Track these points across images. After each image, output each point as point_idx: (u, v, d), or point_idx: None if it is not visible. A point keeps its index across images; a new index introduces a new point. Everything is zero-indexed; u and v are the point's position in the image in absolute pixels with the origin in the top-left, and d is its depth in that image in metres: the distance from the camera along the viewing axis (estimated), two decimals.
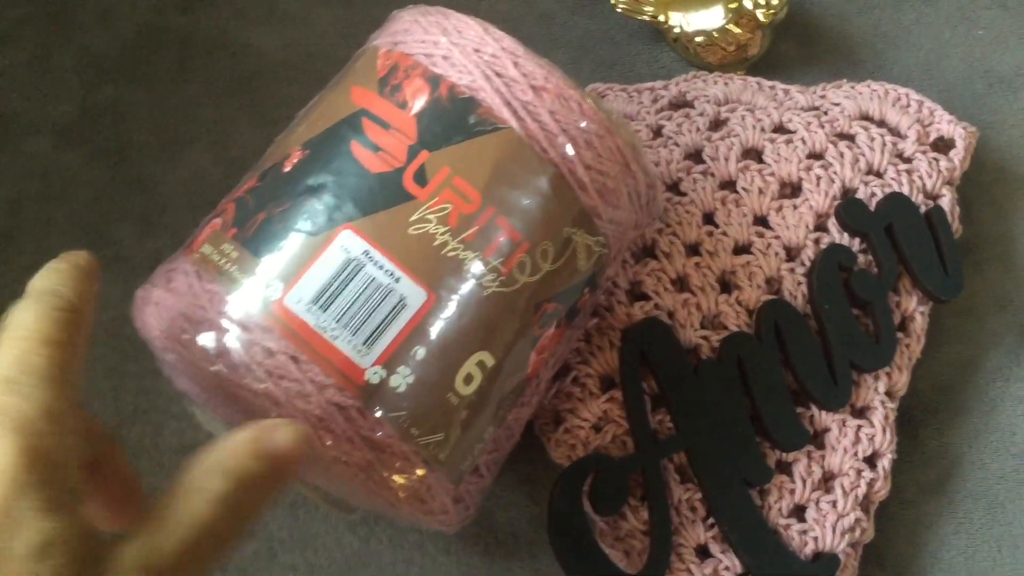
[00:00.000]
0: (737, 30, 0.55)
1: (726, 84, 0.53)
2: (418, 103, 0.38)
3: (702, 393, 0.45)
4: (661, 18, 0.57)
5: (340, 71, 0.43)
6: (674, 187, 0.51)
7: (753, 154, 0.51)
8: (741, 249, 0.49)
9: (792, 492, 0.46)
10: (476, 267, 0.37)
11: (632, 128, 0.51)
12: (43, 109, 0.56)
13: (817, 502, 0.46)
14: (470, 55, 0.38)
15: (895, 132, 0.52)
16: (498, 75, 0.38)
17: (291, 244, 0.36)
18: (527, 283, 0.38)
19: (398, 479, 0.36)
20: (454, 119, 0.38)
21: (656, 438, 0.45)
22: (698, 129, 0.51)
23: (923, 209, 0.50)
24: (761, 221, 0.50)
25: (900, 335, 0.49)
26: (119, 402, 0.51)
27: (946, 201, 0.51)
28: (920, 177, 0.51)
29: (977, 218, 0.55)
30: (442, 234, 0.36)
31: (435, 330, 0.36)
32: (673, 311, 0.48)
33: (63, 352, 0.31)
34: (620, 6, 0.57)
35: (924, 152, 0.51)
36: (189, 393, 0.40)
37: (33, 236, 0.53)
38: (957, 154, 0.52)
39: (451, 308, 0.37)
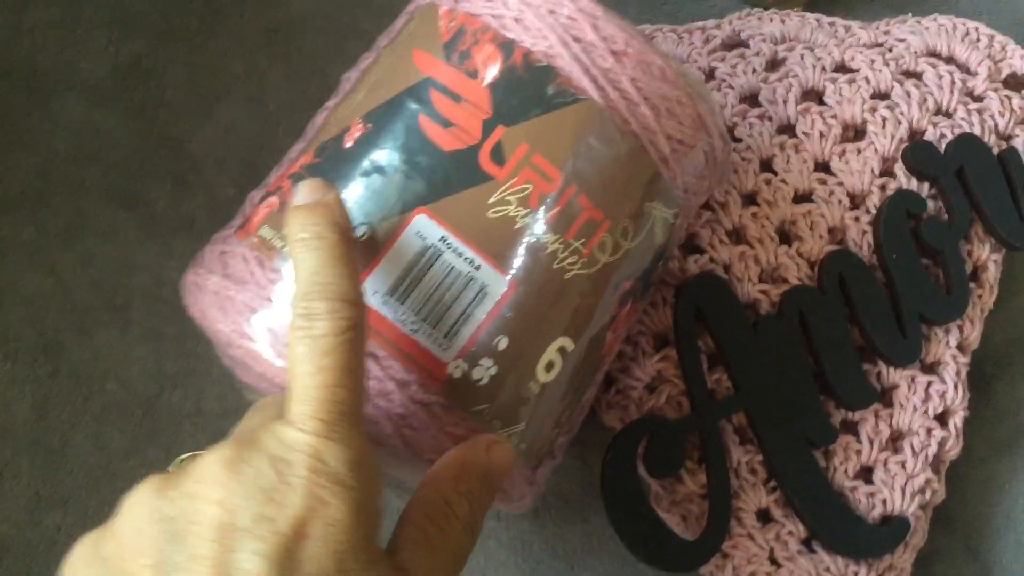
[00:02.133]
0: None
1: (783, 22, 0.50)
2: (490, 72, 0.35)
3: (762, 350, 0.43)
4: None
5: (390, 27, 0.40)
6: (729, 132, 0.48)
7: (813, 95, 0.48)
8: (802, 197, 0.47)
9: (858, 453, 0.43)
10: (558, 250, 0.35)
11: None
12: (73, 67, 0.54)
13: (885, 463, 0.44)
14: (544, 17, 0.35)
15: (964, 69, 0.49)
16: (576, 40, 0.35)
17: (362, 230, 0.34)
18: (608, 263, 0.36)
19: None
20: (531, 90, 0.35)
21: (713, 398, 0.43)
22: (754, 70, 0.48)
23: (996, 151, 0.47)
24: (823, 167, 0.47)
25: (972, 285, 0.46)
26: (159, 366, 0.49)
27: (1020, 142, 0.48)
28: (992, 117, 0.48)
29: None
30: (523, 217, 0.34)
31: (517, 318, 0.34)
32: (729, 264, 0.45)
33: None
34: None
35: (996, 90, 0.48)
36: (256, 388, 0.38)
37: (66, 198, 0.52)
38: None
39: (533, 294, 0.34)
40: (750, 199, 0.47)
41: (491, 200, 0.34)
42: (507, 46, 0.35)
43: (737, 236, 0.46)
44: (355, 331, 0.29)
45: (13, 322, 0.50)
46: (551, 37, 0.35)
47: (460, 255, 0.34)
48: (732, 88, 0.48)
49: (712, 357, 0.44)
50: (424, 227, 0.34)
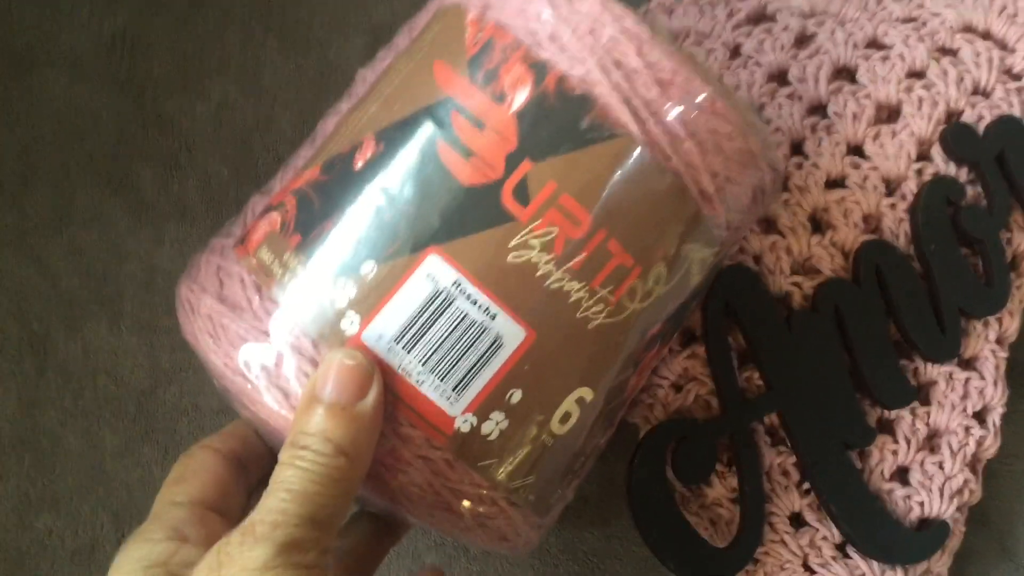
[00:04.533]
0: None
1: None
2: (519, 97, 0.32)
3: (795, 347, 0.41)
4: None
5: (411, 21, 0.37)
6: (757, 112, 0.45)
7: (845, 73, 0.46)
8: (834, 183, 0.44)
9: (895, 453, 0.42)
10: (582, 299, 0.32)
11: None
12: (55, 41, 0.51)
13: (922, 463, 0.42)
14: (584, 37, 0.32)
15: (1002, 45, 0.46)
16: (617, 65, 0.32)
17: (368, 267, 0.31)
18: (636, 310, 0.33)
19: (483, 520, 0.33)
20: (563, 122, 0.31)
21: (745, 398, 0.41)
22: (782, 46, 0.46)
23: None
24: (856, 150, 0.45)
25: (1011, 276, 0.44)
26: (153, 360, 0.47)
27: None
28: None
29: None
30: (545, 263, 0.31)
31: (533, 371, 0.31)
32: (760, 255, 0.43)
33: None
34: None
35: None
36: (251, 421, 0.35)
37: (50, 181, 0.49)
38: None
39: (553, 346, 0.32)
40: (781, 184, 0.44)
41: (512, 243, 0.31)
42: (539, 67, 0.32)
43: (768, 225, 0.44)
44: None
45: None
46: (589, 61, 0.31)
47: (474, 302, 0.31)
48: (759, 65, 0.45)
49: (742, 354, 0.42)
50: (436, 269, 0.31)
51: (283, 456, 0.30)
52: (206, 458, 0.34)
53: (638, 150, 0.32)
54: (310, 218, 0.33)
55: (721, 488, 0.41)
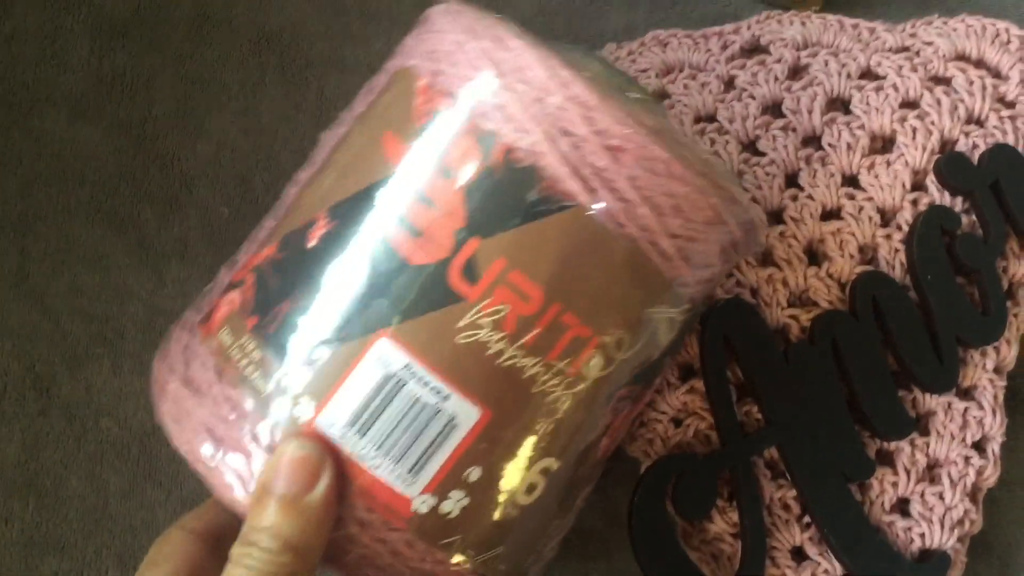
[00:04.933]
0: None
1: (803, 24, 0.48)
2: (466, 172, 0.31)
3: (793, 380, 0.41)
4: None
5: (371, 81, 0.36)
6: (751, 146, 0.45)
7: (839, 104, 0.46)
8: (830, 214, 0.44)
9: (895, 485, 0.42)
10: (538, 374, 0.31)
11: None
12: (55, 80, 0.51)
13: (922, 494, 0.42)
14: (530, 106, 0.31)
15: (996, 73, 0.47)
16: (565, 134, 0.31)
17: (320, 352, 0.31)
18: (599, 378, 0.32)
19: None
20: (510, 196, 0.31)
21: (744, 432, 0.41)
22: (776, 78, 0.46)
23: None
24: (851, 181, 0.45)
25: (1008, 304, 0.44)
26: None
27: None
28: None
29: None
30: (497, 341, 0.30)
31: (491, 448, 0.31)
32: (757, 288, 0.43)
33: None
34: None
35: None
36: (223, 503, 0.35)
37: (52, 222, 0.49)
38: None
39: (509, 422, 0.31)
40: (776, 217, 0.44)
41: (461, 323, 0.30)
42: (486, 140, 0.31)
43: (764, 257, 0.44)
44: None
45: (0, 356, 0.47)
46: (535, 131, 0.30)
47: (426, 384, 0.30)
48: (753, 98, 0.46)
49: (741, 388, 0.42)
50: (386, 353, 0.30)
51: (233, 552, 0.30)
52: (179, 540, 0.35)
53: (590, 220, 0.31)
54: (266, 298, 0.32)
55: (722, 523, 0.41)
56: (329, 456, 0.30)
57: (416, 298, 0.30)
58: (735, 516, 0.41)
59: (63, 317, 0.48)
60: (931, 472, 0.42)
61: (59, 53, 0.51)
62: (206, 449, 0.31)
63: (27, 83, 0.51)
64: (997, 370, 0.43)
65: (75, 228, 0.49)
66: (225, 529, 0.35)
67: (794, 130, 0.45)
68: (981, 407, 0.43)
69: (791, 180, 0.45)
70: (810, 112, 0.45)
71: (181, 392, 0.32)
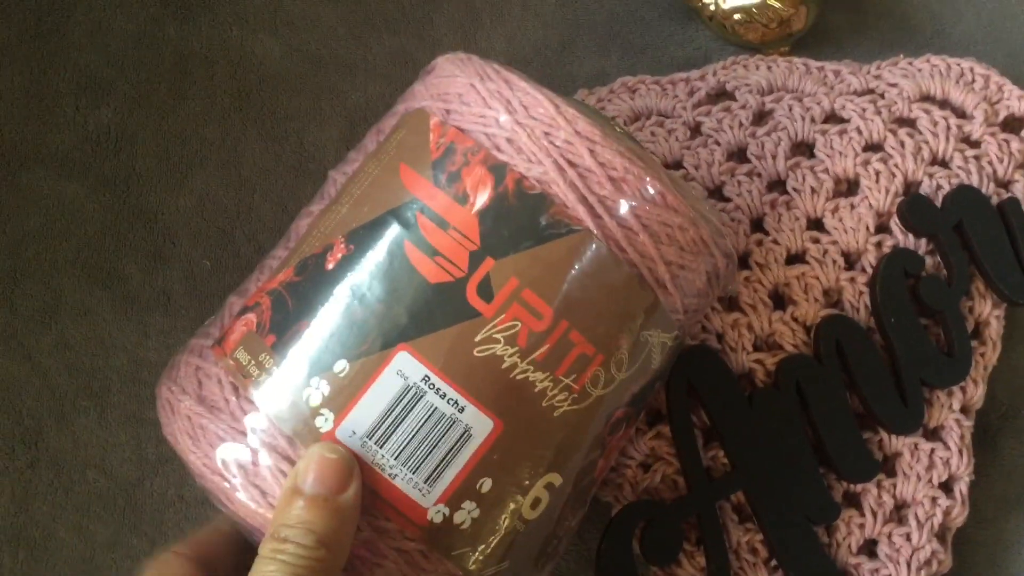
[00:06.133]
0: (778, 5, 0.50)
1: (769, 69, 0.49)
2: (480, 198, 0.33)
3: (758, 425, 0.42)
4: None
5: (379, 124, 0.39)
6: (717, 192, 0.46)
7: (803, 149, 0.47)
8: (795, 258, 0.45)
9: (861, 527, 0.42)
10: (547, 388, 0.33)
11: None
12: (41, 138, 0.52)
13: (889, 536, 0.42)
14: (539, 140, 0.34)
15: (960, 113, 0.47)
16: (572, 165, 0.34)
17: (341, 365, 0.32)
18: (600, 396, 0.34)
19: None
20: (522, 220, 0.33)
21: (710, 477, 0.42)
22: (740, 124, 0.47)
23: (995, 200, 0.45)
24: (816, 225, 0.45)
25: (974, 343, 0.44)
26: (140, 452, 0.48)
27: (1019, 188, 0.46)
28: (990, 163, 0.46)
29: None
30: (510, 355, 0.32)
31: (502, 460, 0.33)
32: (722, 333, 0.44)
33: None
34: None
35: (993, 134, 0.46)
36: (230, 518, 0.36)
37: (39, 278, 0.50)
38: None
39: (520, 435, 0.33)
40: (742, 262, 0.45)
41: (478, 338, 0.32)
42: (498, 169, 0.34)
43: (730, 302, 0.44)
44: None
45: None
46: (546, 162, 0.33)
47: (443, 396, 0.32)
48: (719, 144, 0.46)
49: (708, 432, 0.43)
50: (406, 365, 0.32)
51: (264, 550, 0.31)
52: (173, 562, 0.35)
53: (595, 244, 0.33)
54: (285, 318, 0.34)
55: (690, 567, 0.41)
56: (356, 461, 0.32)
57: (435, 314, 0.32)
58: (703, 560, 0.41)
59: (50, 371, 0.49)
60: (898, 513, 0.43)
61: (45, 112, 0.53)
62: (223, 460, 0.33)
63: (14, 141, 0.52)
64: (964, 410, 0.44)
65: (62, 283, 0.50)
66: (216, 555, 0.37)
67: (759, 175, 0.46)
68: (948, 447, 0.43)
69: (756, 225, 0.46)
70: (774, 157, 0.46)
71: (195, 409, 0.34)
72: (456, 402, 0.32)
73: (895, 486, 0.43)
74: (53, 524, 0.47)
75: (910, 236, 0.45)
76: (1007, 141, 0.46)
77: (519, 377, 0.33)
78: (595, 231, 0.33)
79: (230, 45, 0.54)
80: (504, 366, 0.32)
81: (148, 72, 0.54)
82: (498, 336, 0.32)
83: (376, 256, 0.33)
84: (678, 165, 0.47)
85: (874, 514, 0.42)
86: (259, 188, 0.52)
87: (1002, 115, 0.47)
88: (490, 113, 0.34)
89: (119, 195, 0.52)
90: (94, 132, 0.53)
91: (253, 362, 0.33)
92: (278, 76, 0.53)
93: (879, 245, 0.45)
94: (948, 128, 0.46)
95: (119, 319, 0.50)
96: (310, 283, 0.34)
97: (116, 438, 0.48)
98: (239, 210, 0.52)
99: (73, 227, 0.51)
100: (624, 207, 0.34)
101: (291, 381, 0.33)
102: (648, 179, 0.34)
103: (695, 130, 0.47)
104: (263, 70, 0.54)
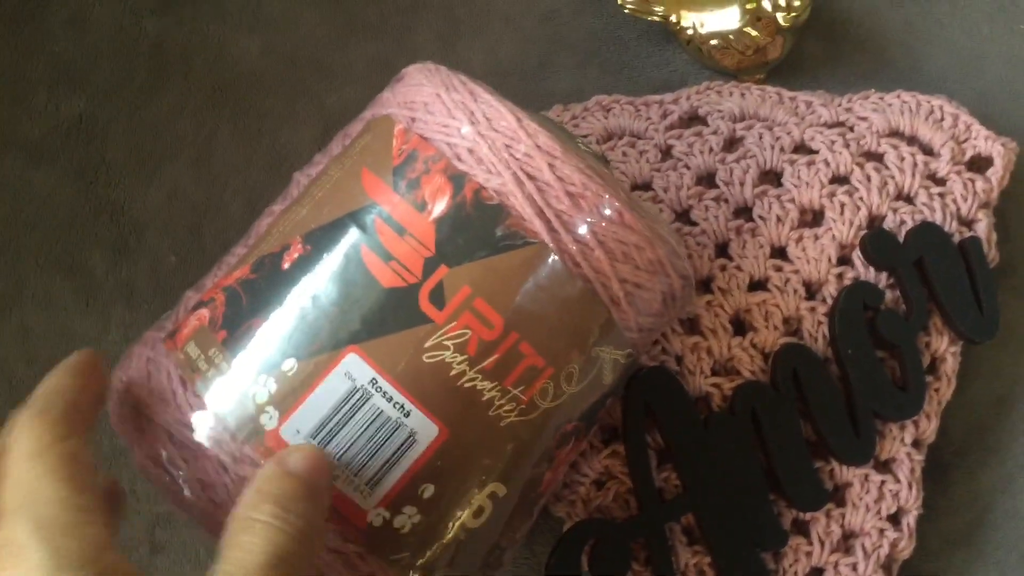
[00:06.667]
0: (755, 33, 0.51)
1: (742, 96, 0.49)
2: (439, 206, 0.34)
3: (712, 448, 0.42)
4: (673, 18, 0.52)
5: (347, 128, 0.39)
6: (684, 215, 0.47)
7: (771, 177, 0.47)
8: (757, 285, 0.45)
9: (809, 555, 0.42)
10: (495, 398, 0.33)
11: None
12: (13, 125, 0.52)
13: (836, 565, 0.43)
14: (500, 152, 0.34)
15: (927, 150, 0.48)
16: (531, 178, 0.34)
17: (289, 364, 0.32)
18: (548, 409, 0.34)
19: None
20: (478, 230, 0.33)
21: (661, 498, 0.42)
22: (711, 149, 0.47)
23: (957, 238, 0.46)
24: (779, 253, 0.46)
25: (929, 378, 0.45)
26: (95, 446, 0.48)
27: (982, 227, 0.47)
28: (954, 201, 0.47)
29: (1015, 236, 0.51)
30: (459, 363, 0.33)
31: (446, 467, 0.33)
32: (682, 356, 0.44)
33: None
34: (628, 6, 0.52)
35: (959, 172, 0.47)
36: (176, 510, 0.36)
37: (2, 264, 0.50)
38: (995, 173, 0.47)
39: (465, 442, 0.33)
40: (705, 286, 0.45)
41: (427, 344, 0.32)
42: (458, 179, 0.34)
43: (691, 325, 0.45)
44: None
45: None
46: (504, 174, 0.34)
47: (390, 400, 0.32)
48: (688, 168, 0.47)
49: (662, 453, 0.43)
50: (354, 367, 0.32)
51: (242, 515, 0.29)
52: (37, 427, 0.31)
53: (550, 258, 0.34)
54: (237, 315, 0.34)
55: None
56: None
57: (387, 318, 0.32)
58: None
59: (8, 359, 0.49)
60: (846, 543, 0.43)
61: (17, 98, 0.52)
62: (167, 454, 0.33)
63: None
64: (916, 444, 0.44)
65: (25, 271, 0.50)
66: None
67: (726, 201, 0.46)
68: (898, 480, 0.44)
69: (721, 250, 0.46)
70: (742, 184, 0.46)
71: (144, 401, 0.34)
72: (402, 406, 0.32)
73: (844, 516, 0.43)
74: None
75: (871, 269, 0.45)
76: (972, 180, 0.47)
77: (467, 385, 0.33)
78: (550, 244, 0.34)
79: (209, 41, 0.54)
80: (452, 373, 0.33)
81: (124, 64, 0.53)
82: (448, 343, 0.32)
83: (332, 258, 0.34)
84: (647, 187, 0.47)
85: (822, 543, 0.43)
86: (230, 185, 0.52)
87: (968, 154, 0.48)
88: (453, 123, 0.35)
89: (88, 185, 0.51)
90: (66, 121, 0.52)
91: (203, 357, 0.33)
92: (255, 74, 0.53)
93: (840, 276, 0.45)
94: (915, 164, 0.47)
95: (81, 309, 0.50)
96: (265, 282, 0.34)
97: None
98: (208, 206, 0.52)
99: (40, 215, 0.51)
100: (581, 222, 0.34)
101: (239, 377, 0.33)
102: (607, 196, 0.34)
103: (666, 153, 0.48)
104: (240, 68, 0.54)
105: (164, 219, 0.51)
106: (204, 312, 0.35)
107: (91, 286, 0.50)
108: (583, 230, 0.34)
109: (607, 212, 0.34)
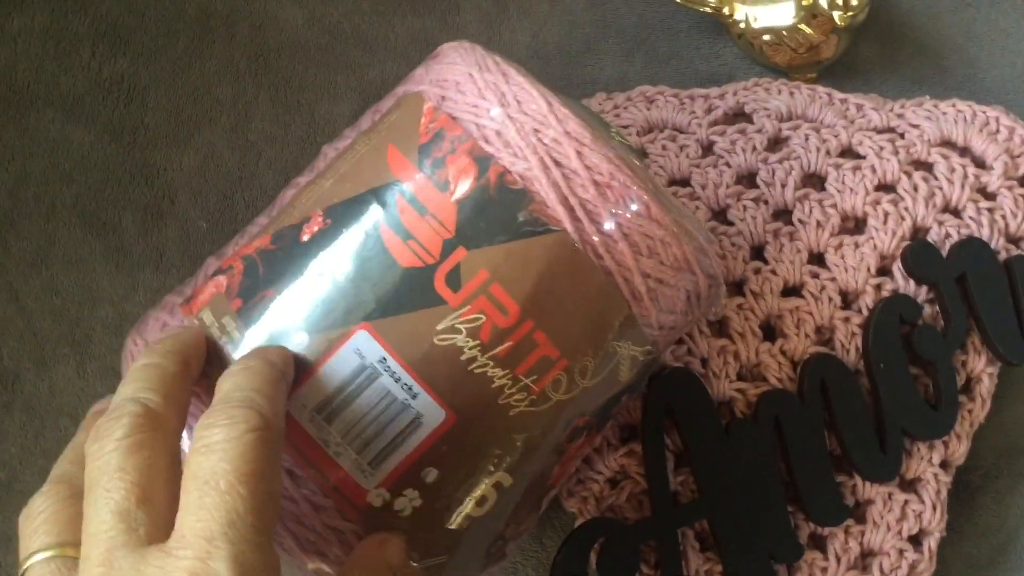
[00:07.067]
0: (809, 31, 0.49)
1: (791, 95, 0.48)
2: (462, 187, 0.33)
3: (731, 455, 0.41)
4: (725, 10, 0.51)
5: (378, 104, 0.38)
6: (721, 214, 0.45)
7: (814, 180, 0.46)
8: (791, 291, 0.44)
9: (824, 571, 0.42)
10: (505, 386, 0.32)
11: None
12: (53, 81, 0.52)
13: None
14: (528, 136, 0.33)
15: (979, 163, 0.46)
16: (557, 164, 0.33)
17: (300, 337, 0.32)
18: (560, 401, 0.34)
19: None
20: (500, 214, 0.32)
21: (676, 502, 0.41)
22: (754, 148, 0.46)
23: (1003, 256, 0.44)
24: (817, 259, 0.45)
25: (962, 398, 0.43)
26: None
27: None
28: (1003, 217, 0.45)
29: None
30: (471, 348, 0.32)
31: (451, 452, 0.32)
32: (708, 358, 0.43)
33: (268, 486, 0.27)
34: None
35: (1010, 188, 0.45)
36: None
37: (35, 221, 0.50)
38: None
39: (472, 429, 0.32)
40: (737, 288, 0.44)
41: (440, 326, 0.32)
42: (483, 161, 0.33)
43: (719, 328, 0.44)
44: (261, 433, 0.27)
45: None
46: (531, 158, 0.33)
47: (398, 380, 0.32)
48: (729, 166, 0.46)
49: (680, 456, 0.42)
50: (364, 344, 0.32)
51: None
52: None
53: (571, 247, 0.33)
54: (254, 284, 0.34)
55: None
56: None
57: (401, 297, 0.32)
58: None
59: (35, 314, 0.49)
60: (863, 561, 0.42)
61: (61, 55, 0.52)
62: None
63: (27, 81, 0.52)
64: (944, 465, 0.43)
65: (57, 228, 0.50)
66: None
67: (766, 202, 0.45)
68: (922, 500, 0.42)
69: (756, 252, 0.45)
70: (784, 186, 0.45)
71: None
72: (410, 388, 0.32)
73: (863, 533, 0.42)
74: (19, 467, 0.47)
75: (911, 282, 0.44)
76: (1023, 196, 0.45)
77: (477, 371, 0.32)
78: (573, 234, 0.33)
79: (254, 7, 0.54)
80: (463, 358, 0.32)
81: (168, 26, 0.53)
82: (461, 327, 0.32)
83: (351, 233, 0.33)
84: (685, 182, 0.46)
85: (838, 559, 0.41)
86: (264, 155, 0.52)
87: (1022, 169, 0.46)
88: (483, 104, 0.34)
89: (124, 146, 0.51)
90: (107, 80, 0.52)
91: (216, 324, 0.33)
92: (298, 44, 0.53)
93: (879, 288, 0.44)
94: (965, 176, 0.45)
95: (110, 270, 0.50)
96: (283, 253, 0.34)
97: (93, 388, 0.48)
98: (242, 175, 0.51)
99: (75, 173, 0.51)
100: (606, 213, 0.33)
101: (250, 347, 0.33)
102: (634, 188, 0.33)
103: (707, 149, 0.47)
104: (283, 37, 0.53)
105: (197, 185, 0.51)
106: (222, 279, 0.35)
107: (121, 247, 0.50)
108: (608, 221, 0.33)
109: (633, 204, 0.33)
